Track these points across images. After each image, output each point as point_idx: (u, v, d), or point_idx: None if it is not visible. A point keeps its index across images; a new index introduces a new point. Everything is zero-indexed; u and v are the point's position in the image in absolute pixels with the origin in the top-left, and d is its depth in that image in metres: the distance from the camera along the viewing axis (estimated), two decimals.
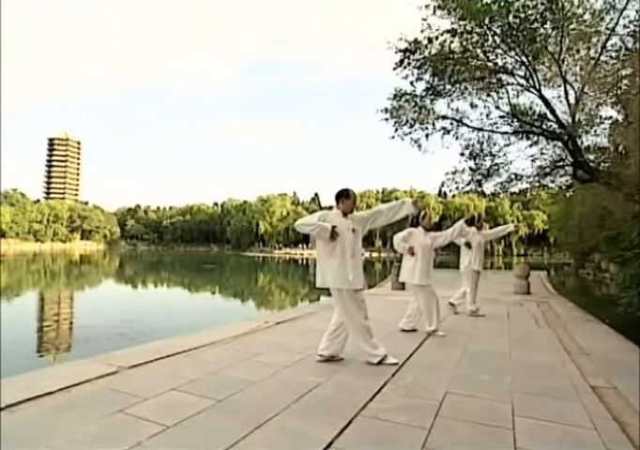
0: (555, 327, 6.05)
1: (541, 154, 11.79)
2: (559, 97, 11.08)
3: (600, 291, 16.16)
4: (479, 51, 10.55)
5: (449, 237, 5.88)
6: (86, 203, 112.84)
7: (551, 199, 24.86)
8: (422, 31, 10.38)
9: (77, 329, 9.20)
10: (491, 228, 9.01)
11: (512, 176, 11.97)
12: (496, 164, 11.89)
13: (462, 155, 12.05)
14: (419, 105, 11.18)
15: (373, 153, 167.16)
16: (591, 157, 11.31)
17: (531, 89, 10.88)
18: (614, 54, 9.97)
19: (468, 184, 12.30)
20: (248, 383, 3.18)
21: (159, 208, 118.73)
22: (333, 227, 3.73)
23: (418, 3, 10.22)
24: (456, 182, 12.37)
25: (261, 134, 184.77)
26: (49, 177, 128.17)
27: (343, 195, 3.92)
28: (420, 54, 10.65)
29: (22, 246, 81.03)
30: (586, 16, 10.08)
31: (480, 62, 10.71)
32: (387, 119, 11.52)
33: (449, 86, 11.06)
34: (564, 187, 13.52)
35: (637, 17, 9.53)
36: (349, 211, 3.92)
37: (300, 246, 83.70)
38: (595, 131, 11.19)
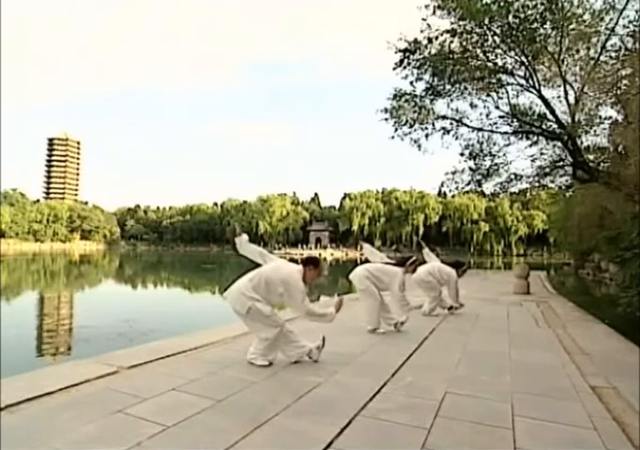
0: (554, 327, 6.06)
1: (541, 154, 11.80)
2: (559, 97, 11.10)
3: (599, 291, 16.16)
4: (478, 51, 10.55)
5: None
6: (86, 203, 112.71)
7: (551, 199, 24.84)
8: (422, 31, 10.40)
9: (77, 329, 9.17)
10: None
11: (512, 176, 11.98)
12: (496, 164, 11.89)
13: (462, 155, 12.05)
14: (419, 105, 11.19)
15: (373, 153, 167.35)
16: (591, 157, 11.31)
17: (531, 89, 10.89)
18: (613, 54, 9.98)
19: (468, 184, 12.31)
20: (248, 383, 3.18)
21: (159, 208, 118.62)
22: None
23: (418, 3, 10.24)
24: (456, 182, 12.38)
25: (261, 134, 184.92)
26: (48, 177, 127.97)
27: (312, 263, 3.83)
28: (420, 54, 10.66)
29: (22, 246, 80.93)
30: (586, 16, 10.09)
31: (479, 62, 10.72)
32: (386, 119, 11.54)
33: (448, 86, 11.06)
34: (564, 187, 13.54)
35: (637, 17, 9.54)
36: (311, 281, 3.84)
37: (300, 246, 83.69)
38: (595, 131, 11.20)
